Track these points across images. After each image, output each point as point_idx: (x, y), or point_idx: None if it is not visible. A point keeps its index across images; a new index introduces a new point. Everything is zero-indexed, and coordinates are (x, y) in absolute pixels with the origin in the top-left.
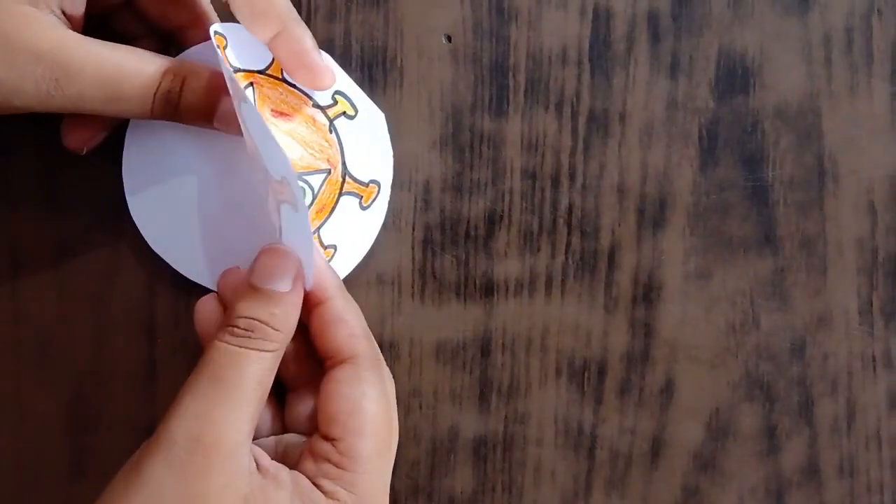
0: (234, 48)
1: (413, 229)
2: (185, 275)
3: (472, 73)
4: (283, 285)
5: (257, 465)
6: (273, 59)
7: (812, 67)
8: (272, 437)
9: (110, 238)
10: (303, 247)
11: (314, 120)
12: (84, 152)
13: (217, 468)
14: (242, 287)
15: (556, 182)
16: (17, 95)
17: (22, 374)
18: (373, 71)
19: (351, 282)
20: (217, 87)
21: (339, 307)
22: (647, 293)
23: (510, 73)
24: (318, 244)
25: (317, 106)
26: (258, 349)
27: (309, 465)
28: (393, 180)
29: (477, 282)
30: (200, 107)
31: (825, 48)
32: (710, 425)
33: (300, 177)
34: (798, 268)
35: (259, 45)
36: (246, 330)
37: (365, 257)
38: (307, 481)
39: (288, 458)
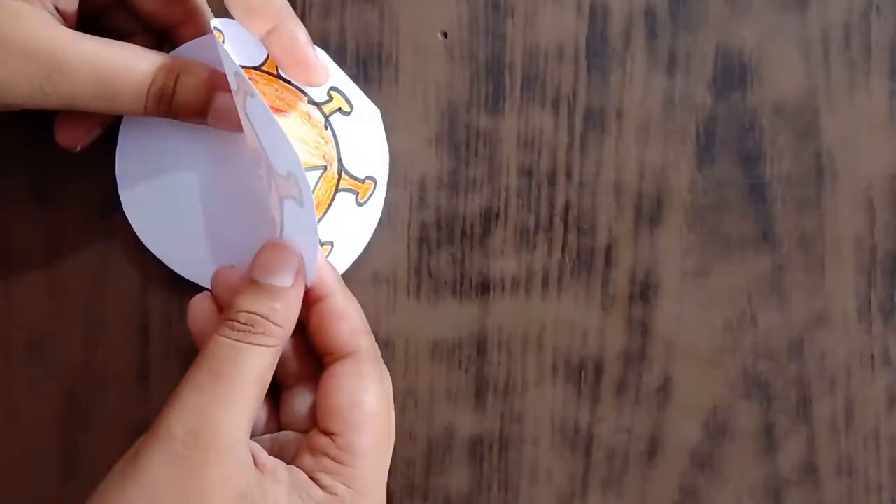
0: (228, 44)
1: (409, 227)
2: (179, 273)
3: (468, 70)
4: (285, 280)
5: (255, 460)
6: (268, 56)
7: (810, 64)
8: (267, 435)
9: (103, 236)
10: (306, 243)
11: (310, 116)
12: (78, 149)
13: (215, 462)
14: (242, 282)
15: (552, 179)
16: (9, 92)
17: (14, 373)
18: (368, 67)
19: (346, 279)
20: (211, 84)
21: (340, 303)
22: (644, 291)
23: (506, 70)
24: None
25: (312, 102)
26: (258, 344)
27: (307, 459)
28: (389, 177)
29: (473, 280)
30: (194, 103)
31: (823, 45)
32: (708, 424)
33: None
34: (796, 266)
35: (253, 42)
36: (246, 324)
37: (360, 255)
38: (305, 476)
39: (284, 455)
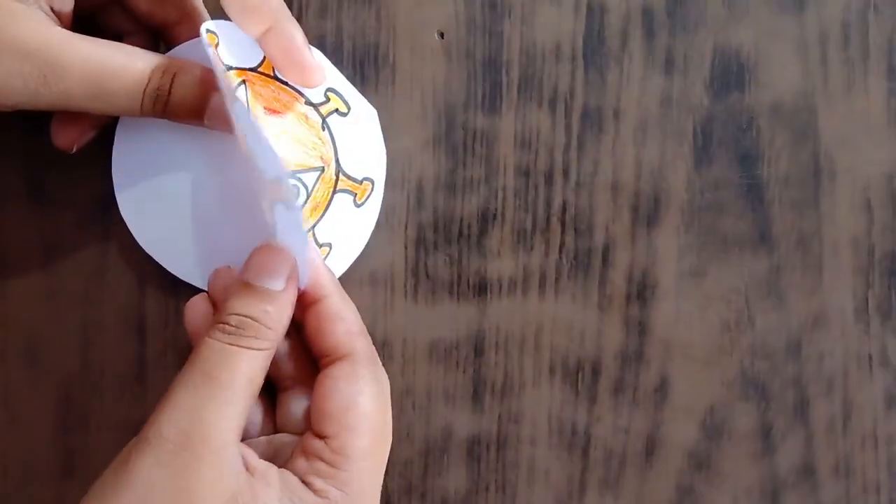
0: (225, 46)
1: (406, 228)
2: (176, 274)
3: (465, 70)
4: (277, 283)
5: (246, 464)
6: (264, 57)
7: (808, 64)
8: (263, 438)
9: (99, 237)
10: (297, 246)
11: (307, 117)
12: (74, 150)
13: (206, 465)
14: (235, 284)
15: (549, 179)
16: (3, 93)
17: (11, 374)
18: (365, 68)
19: (343, 281)
20: (207, 85)
21: (336, 304)
22: (642, 291)
23: (503, 70)
24: (313, 242)
25: (309, 103)
26: (250, 347)
27: (300, 463)
28: (386, 178)
29: (470, 280)
30: (190, 104)
31: (821, 45)
32: (705, 424)
33: (294, 175)
34: (793, 266)
35: (250, 43)
36: (237, 327)
37: (358, 256)
38: (296, 480)
39: (278, 458)
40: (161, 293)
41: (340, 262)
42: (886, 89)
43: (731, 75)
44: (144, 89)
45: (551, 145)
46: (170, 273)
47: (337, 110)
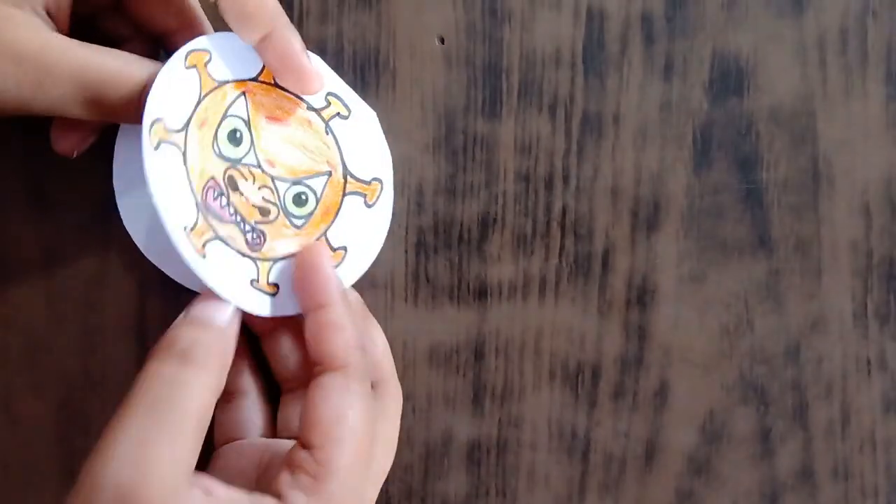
0: (223, 58)
1: (406, 232)
2: (176, 279)
3: (465, 75)
4: (222, 317)
5: (211, 494)
6: (263, 66)
7: (806, 69)
8: (261, 442)
9: (100, 242)
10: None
11: (310, 123)
12: (74, 156)
13: None
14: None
15: (549, 185)
16: None
17: (11, 379)
18: (365, 73)
19: (353, 283)
20: None
21: (338, 313)
22: (641, 296)
23: (503, 75)
24: (325, 246)
25: (311, 108)
26: (194, 377)
27: (284, 477)
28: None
29: (470, 285)
30: None
31: (820, 50)
32: (705, 429)
33: (302, 181)
34: (792, 270)
35: (249, 54)
36: (181, 356)
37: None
38: (271, 502)
39: (272, 467)
40: (161, 298)
41: (358, 265)
42: (885, 94)
43: (730, 80)
44: (141, 96)
45: (551, 150)
46: (170, 278)
47: (338, 114)
